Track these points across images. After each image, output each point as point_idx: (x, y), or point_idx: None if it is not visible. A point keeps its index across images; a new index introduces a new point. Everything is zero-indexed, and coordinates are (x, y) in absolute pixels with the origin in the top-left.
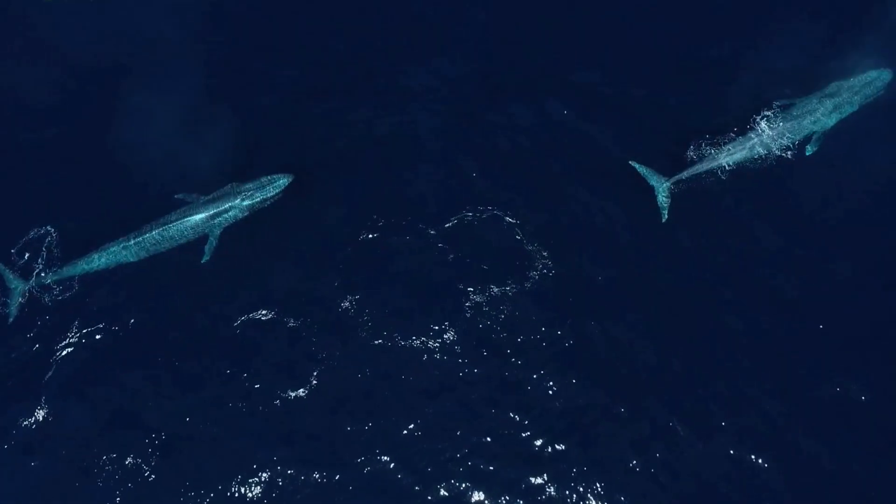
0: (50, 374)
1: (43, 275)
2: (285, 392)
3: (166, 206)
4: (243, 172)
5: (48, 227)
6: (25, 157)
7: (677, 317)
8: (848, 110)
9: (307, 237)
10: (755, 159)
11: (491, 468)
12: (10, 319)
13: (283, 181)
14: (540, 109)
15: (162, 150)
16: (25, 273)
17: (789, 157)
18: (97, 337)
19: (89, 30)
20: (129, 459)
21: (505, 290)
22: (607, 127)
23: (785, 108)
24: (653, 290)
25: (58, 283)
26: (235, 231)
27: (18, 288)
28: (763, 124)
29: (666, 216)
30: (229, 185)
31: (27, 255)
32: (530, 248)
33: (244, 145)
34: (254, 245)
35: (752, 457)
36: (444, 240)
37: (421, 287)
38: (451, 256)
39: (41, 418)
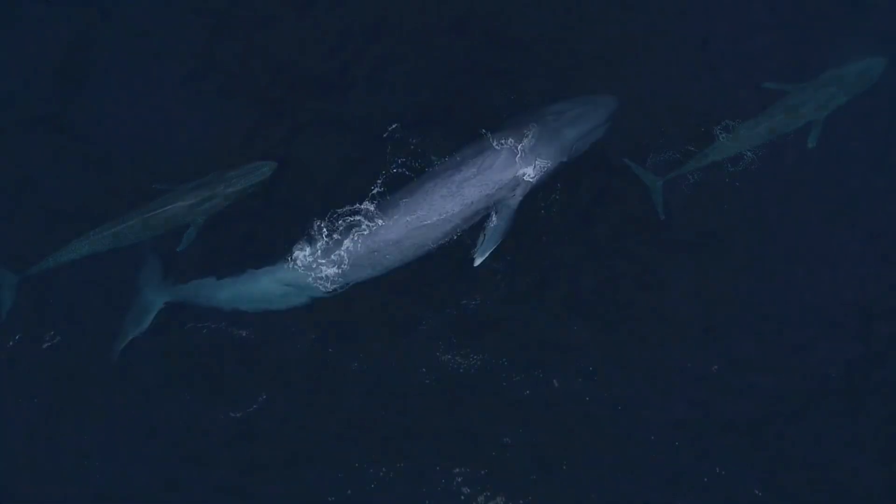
0: None
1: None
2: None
3: (145, 198)
4: (226, 161)
5: None
6: None
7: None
8: (843, 100)
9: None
10: (750, 153)
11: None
12: (2, 317)
13: (266, 168)
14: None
15: (139, 141)
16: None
17: (787, 149)
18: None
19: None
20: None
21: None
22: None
23: (778, 99)
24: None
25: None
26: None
27: (12, 282)
28: (756, 116)
29: (663, 214)
30: (212, 174)
31: None
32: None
33: (227, 134)
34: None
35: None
36: None
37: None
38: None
39: None
